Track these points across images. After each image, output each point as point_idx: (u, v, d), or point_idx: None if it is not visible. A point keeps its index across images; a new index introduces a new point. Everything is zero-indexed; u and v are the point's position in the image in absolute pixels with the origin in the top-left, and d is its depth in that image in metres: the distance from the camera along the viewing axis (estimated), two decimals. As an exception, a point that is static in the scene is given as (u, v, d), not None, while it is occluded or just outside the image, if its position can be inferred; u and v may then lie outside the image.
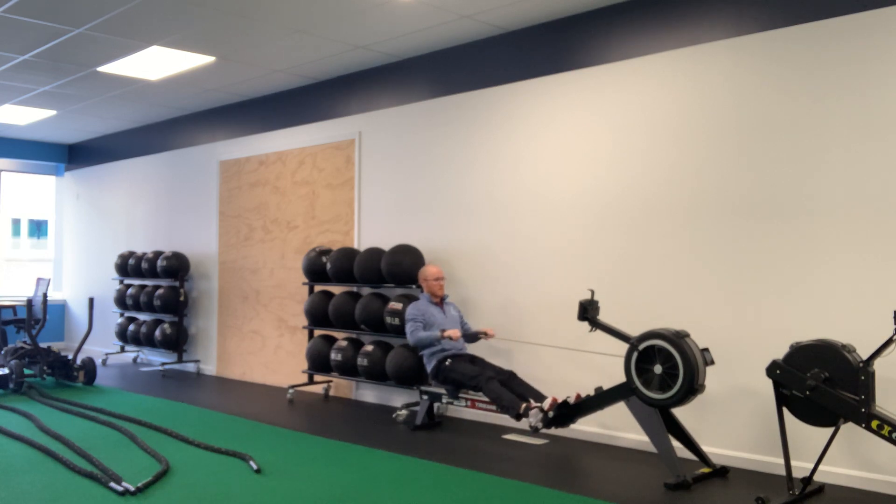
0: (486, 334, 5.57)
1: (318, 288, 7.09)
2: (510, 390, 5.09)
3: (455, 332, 5.38)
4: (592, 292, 4.84)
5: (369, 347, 6.29)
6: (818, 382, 3.68)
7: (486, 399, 5.21)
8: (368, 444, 5.10)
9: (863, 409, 3.57)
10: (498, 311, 5.82)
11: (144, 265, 8.81)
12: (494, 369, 5.32)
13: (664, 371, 4.23)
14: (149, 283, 9.00)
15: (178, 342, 8.53)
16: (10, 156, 10.70)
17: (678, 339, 4.20)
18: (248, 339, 8.04)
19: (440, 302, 5.73)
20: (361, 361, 6.26)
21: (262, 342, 7.86)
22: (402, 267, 6.08)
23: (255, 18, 5.51)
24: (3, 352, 8.10)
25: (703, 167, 4.76)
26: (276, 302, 7.73)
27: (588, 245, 5.30)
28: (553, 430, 5.24)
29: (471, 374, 5.22)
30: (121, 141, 10.08)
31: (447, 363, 5.39)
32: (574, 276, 5.37)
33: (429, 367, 5.52)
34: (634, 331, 4.67)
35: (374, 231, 6.78)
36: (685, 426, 4.50)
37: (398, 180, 6.58)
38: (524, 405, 4.85)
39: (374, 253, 6.35)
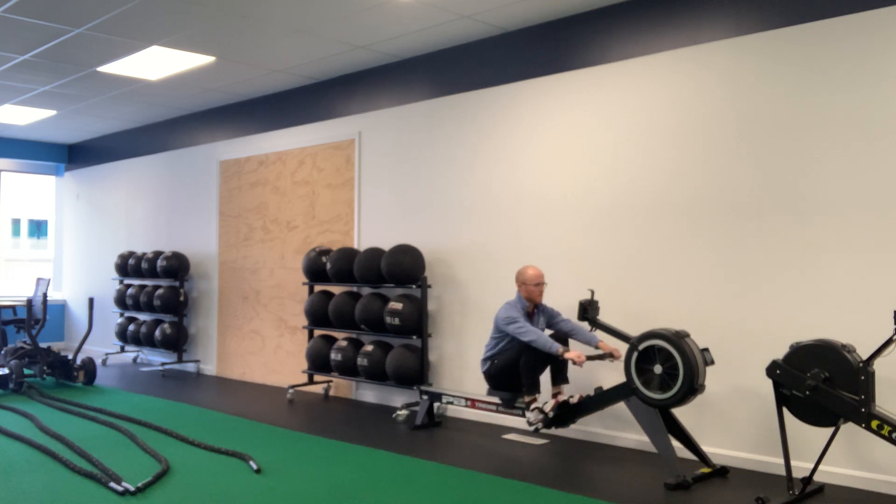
0: (612, 356, 4.81)
1: (318, 288, 7.09)
2: (553, 365, 5.00)
3: (580, 357, 4.63)
4: (592, 292, 4.84)
5: (369, 347, 6.29)
6: (818, 382, 3.68)
7: (487, 399, 5.21)
8: (368, 444, 5.10)
9: (863, 409, 3.57)
10: (498, 311, 5.82)
11: (144, 265, 8.81)
12: None
13: (664, 371, 4.23)
14: (149, 283, 9.00)
15: (178, 342, 8.53)
16: (10, 156, 10.71)
17: (678, 339, 4.20)
18: (248, 339, 8.04)
19: (533, 312, 5.13)
20: (361, 361, 6.26)
21: (262, 342, 7.86)
22: (402, 267, 6.08)
23: (255, 18, 5.51)
24: (3, 352, 8.10)
25: (702, 167, 4.77)
26: (276, 302, 7.73)
27: (588, 245, 5.30)
28: (553, 430, 5.25)
29: (517, 349, 4.92)
30: (121, 141, 10.09)
31: (495, 361, 5.08)
32: (574, 276, 5.37)
33: (483, 368, 5.19)
34: (634, 331, 4.67)
35: (374, 231, 6.78)
36: (685, 426, 4.50)
37: (398, 180, 6.58)
38: (531, 399, 4.84)
39: (374, 253, 6.35)
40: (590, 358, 4.80)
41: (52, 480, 4.24)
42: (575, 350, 4.88)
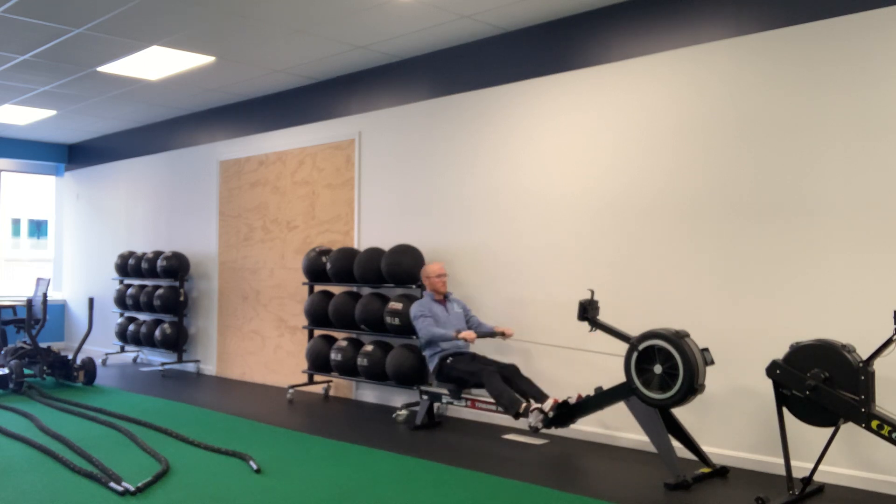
0: (503, 334, 5.49)
1: (318, 288, 7.09)
2: (513, 386, 5.10)
3: (471, 335, 5.31)
4: (592, 292, 4.84)
5: (369, 347, 6.29)
6: (818, 382, 3.68)
7: (487, 399, 5.21)
8: (368, 444, 5.10)
9: (863, 409, 3.56)
10: (498, 312, 5.82)
11: (144, 265, 8.81)
12: (497, 364, 5.31)
13: (664, 371, 4.23)
14: (149, 283, 9.00)
15: (178, 342, 8.53)
16: (10, 156, 10.71)
17: (678, 339, 4.20)
18: (248, 339, 8.04)
19: (443, 300, 5.73)
20: (361, 361, 6.26)
21: (262, 342, 7.86)
22: (402, 267, 6.08)
23: (255, 18, 5.51)
24: (3, 352, 8.10)
25: (702, 167, 4.77)
26: (276, 302, 7.73)
27: (588, 245, 5.30)
28: (553, 430, 5.25)
29: (473, 370, 5.23)
30: (121, 141, 10.09)
31: (448, 361, 5.40)
32: (574, 276, 5.37)
33: (431, 366, 5.53)
34: (634, 331, 4.67)
35: (374, 231, 6.78)
36: (685, 426, 4.50)
37: (398, 180, 6.58)
38: (524, 405, 4.85)
39: (374, 253, 6.35)
40: (480, 335, 5.46)
41: (52, 480, 4.24)
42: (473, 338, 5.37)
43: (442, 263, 5.88)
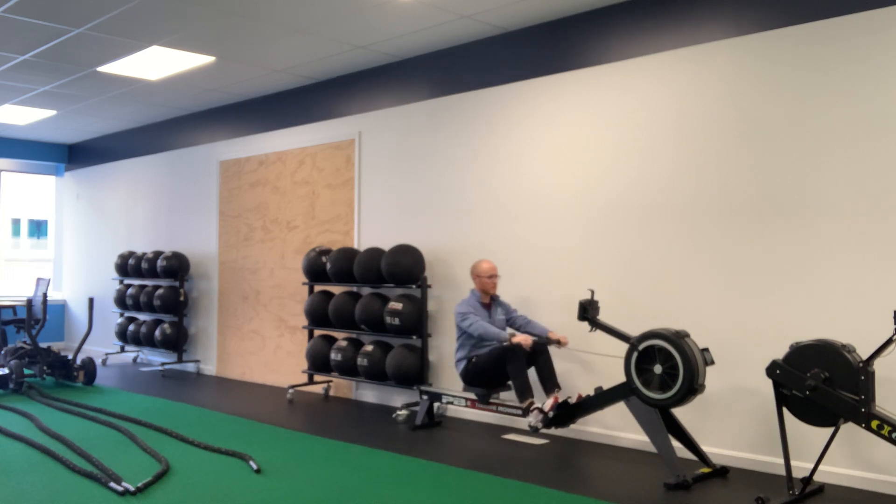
0: (559, 342, 5.12)
1: (318, 288, 7.09)
2: (536, 363, 5.07)
3: (527, 340, 4.95)
4: (592, 292, 4.84)
5: (369, 347, 6.29)
6: (818, 382, 3.68)
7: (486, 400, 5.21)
8: (368, 444, 5.10)
9: (863, 409, 3.57)
10: (498, 311, 5.82)
11: (144, 265, 8.81)
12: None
13: (664, 371, 4.23)
14: (149, 283, 9.01)
15: (178, 342, 8.53)
16: (10, 156, 10.70)
17: (678, 339, 4.20)
18: (248, 339, 8.04)
19: (489, 303, 5.45)
20: (361, 361, 6.26)
21: (262, 342, 7.86)
22: (402, 267, 6.08)
23: (255, 18, 5.51)
24: (3, 352, 8.10)
25: (702, 167, 4.77)
26: (276, 302, 7.73)
27: (588, 245, 5.30)
28: (553, 430, 5.25)
29: (498, 352, 5.06)
30: (121, 141, 10.09)
31: (473, 360, 5.23)
32: (574, 276, 5.37)
33: (459, 370, 5.34)
34: (634, 331, 4.67)
35: (374, 231, 6.78)
36: (685, 426, 4.50)
37: (398, 180, 6.58)
38: (529, 402, 4.85)
39: (374, 253, 6.35)
40: (536, 342, 5.06)
41: (52, 480, 4.24)
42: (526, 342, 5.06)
43: (494, 264, 5.48)
